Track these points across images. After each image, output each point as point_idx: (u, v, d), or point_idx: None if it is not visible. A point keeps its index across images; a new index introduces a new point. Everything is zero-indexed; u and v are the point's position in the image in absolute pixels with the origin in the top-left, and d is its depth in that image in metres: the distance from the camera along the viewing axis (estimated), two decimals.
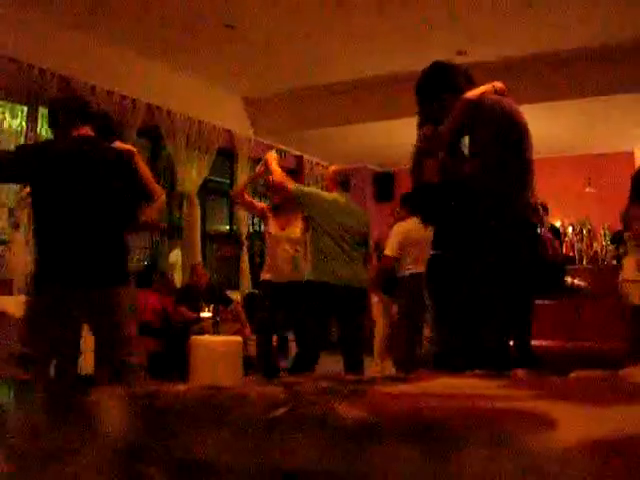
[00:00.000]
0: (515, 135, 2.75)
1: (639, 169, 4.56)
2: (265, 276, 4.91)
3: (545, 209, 5.69)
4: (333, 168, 4.70)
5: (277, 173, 4.30)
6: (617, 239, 5.24)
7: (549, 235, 2.84)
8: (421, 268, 4.81)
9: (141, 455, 0.49)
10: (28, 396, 3.10)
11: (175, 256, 7.83)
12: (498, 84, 2.85)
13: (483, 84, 3.00)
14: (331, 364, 4.58)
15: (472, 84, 2.88)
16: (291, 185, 4.26)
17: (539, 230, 2.74)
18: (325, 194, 4.39)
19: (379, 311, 5.95)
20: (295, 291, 4.51)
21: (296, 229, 4.89)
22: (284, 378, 0.84)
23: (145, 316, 6.31)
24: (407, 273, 4.99)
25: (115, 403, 0.69)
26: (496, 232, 2.66)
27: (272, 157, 4.41)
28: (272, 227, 4.89)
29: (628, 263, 4.48)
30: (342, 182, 4.53)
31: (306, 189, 4.46)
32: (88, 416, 0.65)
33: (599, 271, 8.13)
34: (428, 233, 3.16)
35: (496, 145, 2.72)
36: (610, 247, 8.41)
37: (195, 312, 6.22)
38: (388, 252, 5.09)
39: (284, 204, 4.83)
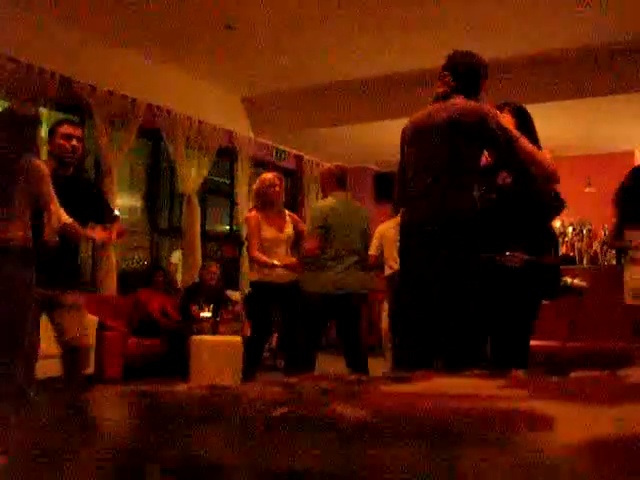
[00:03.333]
0: (402, 144, 3.00)
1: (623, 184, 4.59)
2: (262, 277, 4.85)
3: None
4: (327, 167, 4.73)
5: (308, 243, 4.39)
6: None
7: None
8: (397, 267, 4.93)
9: (141, 455, 0.49)
10: (28, 396, 3.10)
11: (177, 256, 7.83)
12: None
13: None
14: (331, 364, 4.62)
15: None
16: (312, 243, 4.32)
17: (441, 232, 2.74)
18: (322, 206, 4.43)
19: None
20: (293, 292, 4.60)
21: (289, 230, 4.89)
22: (284, 378, 0.84)
23: (146, 315, 6.31)
24: (389, 272, 5.12)
25: (115, 402, 0.69)
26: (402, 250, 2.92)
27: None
28: (267, 231, 4.82)
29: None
30: (339, 180, 4.54)
31: (314, 222, 4.40)
32: (88, 416, 0.65)
33: (599, 271, 8.12)
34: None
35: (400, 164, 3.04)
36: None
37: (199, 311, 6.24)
38: (370, 251, 5.23)
39: (268, 207, 4.83)
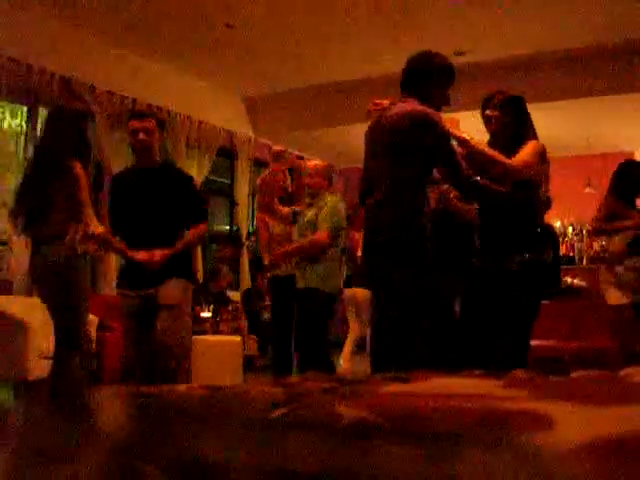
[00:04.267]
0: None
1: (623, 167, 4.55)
2: (273, 274, 4.81)
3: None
4: (318, 163, 4.68)
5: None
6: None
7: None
8: None
9: (141, 455, 0.49)
10: (28, 396, 3.10)
11: None
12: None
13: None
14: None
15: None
16: (326, 234, 4.22)
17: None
18: (342, 206, 4.40)
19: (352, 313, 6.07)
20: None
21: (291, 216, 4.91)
22: (284, 378, 0.84)
23: None
24: None
25: (115, 403, 0.69)
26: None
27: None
28: (276, 227, 4.84)
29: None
30: (331, 178, 4.52)
31: (340, 223, 4.37)
32: (88, 415, 0.65)
33: (599, 271, 8.11)
34: None
35: None
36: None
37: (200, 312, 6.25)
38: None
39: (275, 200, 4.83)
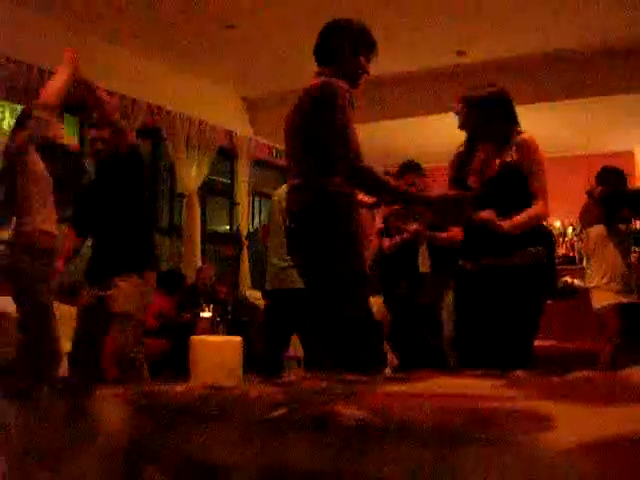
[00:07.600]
0: None
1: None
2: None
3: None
4: None
5: None
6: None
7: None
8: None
9: (141, 455, 0.49)
10: (29, 396, 3.10)
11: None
12: None
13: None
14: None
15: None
16: None
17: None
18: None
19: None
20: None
21: None
22: (284, 378, 0.84)
23: (148, 317, 6.32)
24: None
25: (115, 403, 0.69)
26: None
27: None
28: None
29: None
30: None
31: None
32: (89, 416, 0.65)
33: None
34: None
35: None
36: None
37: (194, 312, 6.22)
38: None
39: None
